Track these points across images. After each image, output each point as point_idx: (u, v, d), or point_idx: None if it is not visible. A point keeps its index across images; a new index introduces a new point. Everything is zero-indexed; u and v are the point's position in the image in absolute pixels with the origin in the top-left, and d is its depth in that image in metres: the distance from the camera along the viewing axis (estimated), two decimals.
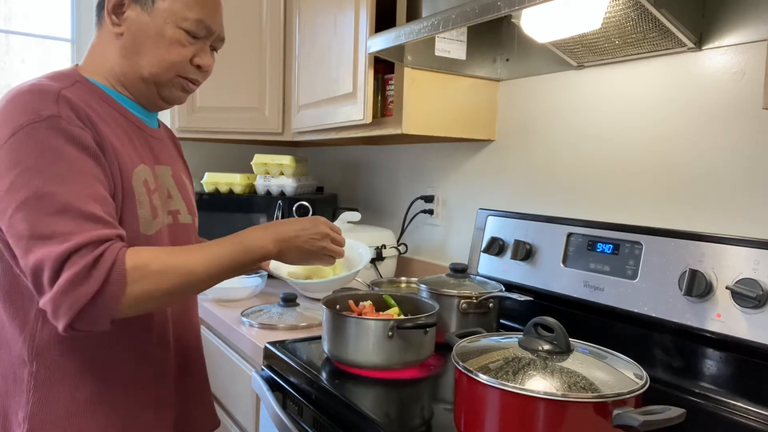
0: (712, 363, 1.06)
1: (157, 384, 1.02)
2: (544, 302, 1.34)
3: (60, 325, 0.81)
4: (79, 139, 0.86)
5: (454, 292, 1.30)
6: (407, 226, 2.00)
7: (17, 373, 0.91)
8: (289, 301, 1.53)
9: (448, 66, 1.54)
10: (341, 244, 1.09)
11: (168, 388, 1.05)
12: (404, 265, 2.01)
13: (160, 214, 1.01)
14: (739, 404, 1.01)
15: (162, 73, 0.99)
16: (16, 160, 0.83)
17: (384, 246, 1.81)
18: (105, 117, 0.94)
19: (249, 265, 0.96)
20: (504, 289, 1.35)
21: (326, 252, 1.05)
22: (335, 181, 2.55)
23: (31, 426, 0.89)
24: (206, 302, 1.67)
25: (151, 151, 1.04)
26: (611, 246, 1.23)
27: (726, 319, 1.01)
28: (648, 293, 1.13)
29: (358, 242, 1.31)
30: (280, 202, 2.03)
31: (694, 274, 1.05)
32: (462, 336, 0.97)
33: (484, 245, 1.52)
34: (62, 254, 0.79)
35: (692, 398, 1.06)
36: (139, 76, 0.99)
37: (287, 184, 2.07)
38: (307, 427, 1.07)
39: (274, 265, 1.20)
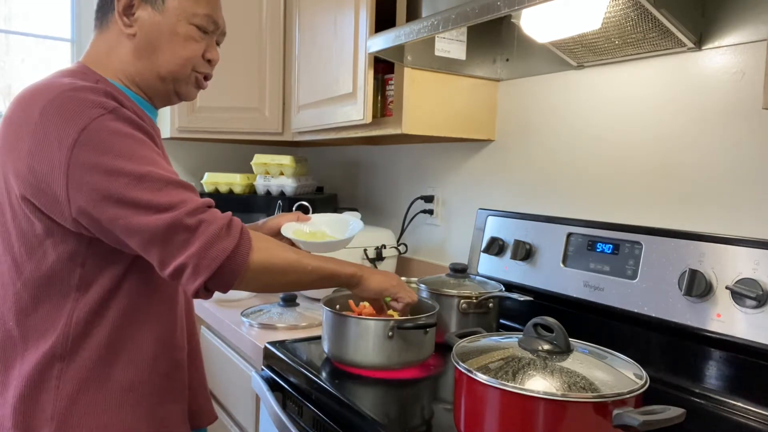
0: (712, 363, 1.05)
1: (175, 376, 1.03)
2: (544, 302, 1.34)
3: (197, 282, 0.85)
4: (141, 125, 0.90)
5: (454, 292, 1.30)
6: (407, 226, 2.00)
7: (44, 372, 0.91)
8: (289, 301, 1.53)
9: (448, 66, 1.54)
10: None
11: (183, 380, 1.06)
12: (404, 265, 2.01)
13: None
14: (739, 404, 1.01)
15: (179, 70, 1.02)
16: (101, 150, 0.84)
17: (384, 246, 1.81)
18: (135, 111, 0.96)
19: (337, 281, 1.04)
20: (504, 289, 1.35)
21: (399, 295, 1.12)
22: (335, 181, 2.55)
23: (60, 422, 0.90)
24: (206, 302, 1.68)
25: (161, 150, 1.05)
26: (611, 246, 1.23)
27: (726, 319, 1.01)
28: (648, 293, 1.13)
29: (349, 215, 1.37)
30: (280, 202, 2.03)
31: (694, 274, 1.05)
32: (462, 336, 0.97)
33: (484, 245, 1.52)
34: (191, 214, 0.85)
35: (692, 398, 1.06)
36: (156, 74, 1.01)
37: (287, 184, 2.07)
38: (307, 427, 1.07)
39: (285, 228, 1.24)
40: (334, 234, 1.29)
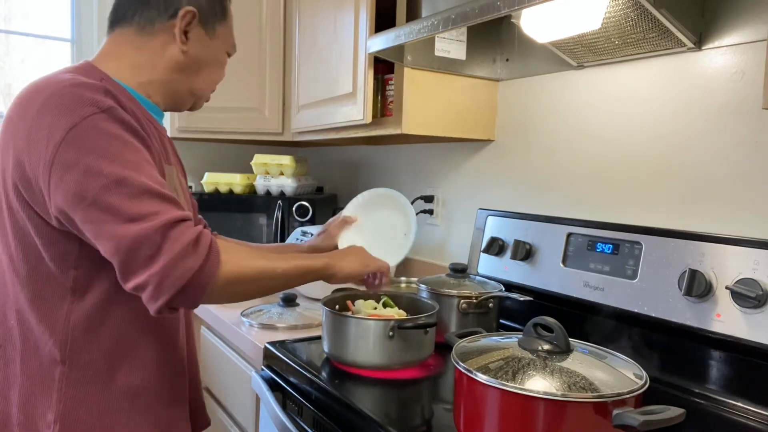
0: (712, 363, 1.05)
1: (177, 381, 1.03)
2: (544, 302, 1.34)
3: (159, 302, 0.81)
4: (134, 128, 0.89)
5: (454, 292, 1.30)
6: None
7: (46, 374, 0.90)
8: (289, 301, 1.53)
9: (448, 66, 1.54)
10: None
11: (184, 385, 1.05)
12: (404, 265, 2.00)
13: None
14: (739, 404, 1.01)
15: (207, 90, 1.11)
16: (85, 149, 0.83)
17: None
18: (135, 113, 0.95)
19: (310, 277, 1.04)
20: (504, 289, 1.35)
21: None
22: (335, 181, 2.55)
23: (63, 426, 0.89)
24: None
25: (165, 151, 1.05)
26: (611, 246, 1.23)
27: (726, 319, 1.01)
28: (648, 293, 1.13)
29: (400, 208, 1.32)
30: (279, 202, 2.03)
31: (694, 274, 1.05)
32: (462, 336, 0.96)
33: (483, 245, 1.52)
34: (159, 230, 0.81)
35: (692, 398, 1.06)
36: (188, 89, 1.07)
37: (287, 184, 2.07)
38: (306, 427, 1.07)
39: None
40: (386, 245, 1.27)
